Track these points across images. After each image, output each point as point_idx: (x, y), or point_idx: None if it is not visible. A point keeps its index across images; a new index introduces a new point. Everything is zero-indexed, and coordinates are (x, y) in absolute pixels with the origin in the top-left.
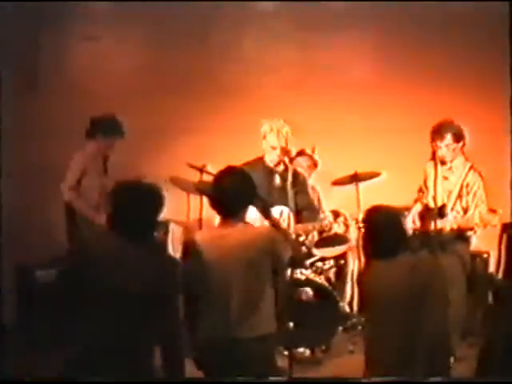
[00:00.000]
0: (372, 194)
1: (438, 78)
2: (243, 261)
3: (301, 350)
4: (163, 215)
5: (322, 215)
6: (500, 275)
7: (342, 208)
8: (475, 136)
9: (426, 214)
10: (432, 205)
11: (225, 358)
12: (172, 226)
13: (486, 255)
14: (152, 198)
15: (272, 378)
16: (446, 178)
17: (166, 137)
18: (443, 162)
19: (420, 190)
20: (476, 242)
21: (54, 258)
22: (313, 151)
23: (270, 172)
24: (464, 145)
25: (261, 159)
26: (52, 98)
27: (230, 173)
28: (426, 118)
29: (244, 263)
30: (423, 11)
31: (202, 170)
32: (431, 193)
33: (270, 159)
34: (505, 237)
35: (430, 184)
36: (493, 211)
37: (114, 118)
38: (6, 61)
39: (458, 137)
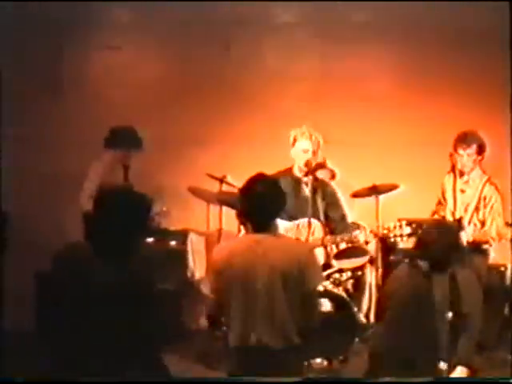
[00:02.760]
0: (390, 207)
1: (458, 92)
2: (276, 272)
3: (318, 360)
4: (181, 225)
5: (351, 227)
6: None
7: (361, 220)
8: (493, 149)
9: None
10: (449, 217)
11: (256, 367)
12: (191, 236)
13: (502, 268)
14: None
15: (272, 379)
16: (463, 191)
17: (185, 147)
18: (461, 174)
19: (439, 203)
20: (493, 255)
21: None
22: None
23: (299, 182)
24: (483, 158)
25: (289, 170)
26: (73, 107)
27: (260, 181)
28: (444, 131)
29: (277, 274)
30: (443, 24)
31: (222, 181)
32: (449, 205)
33: (300, 166)
34: None
35: (448, 196)
36: (509, 225)
37: (133, 131)
38: (26, 69)
39: (481, 149)
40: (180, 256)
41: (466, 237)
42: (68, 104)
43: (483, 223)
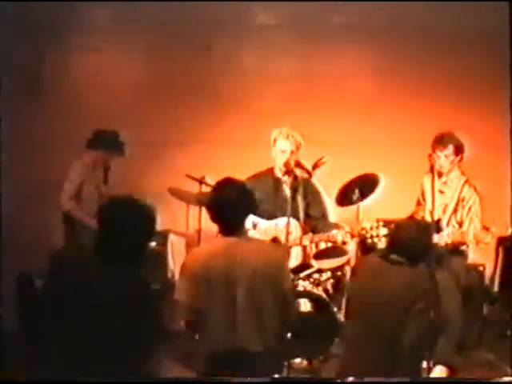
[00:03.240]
0: (371, 207)
1: (439, 92)
2: (248, 273)
3: (298, 360)
4: (162, 226)
5: (331, 226)
6: (496, 288)
7: (343, 220)
8: (474, 150)
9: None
10: (428, 218)
11: (233, 370)
12: (171, 237)
13: (481, 268)
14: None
15: (272, 378)
16: (441, 192)
17: (165, 147)
18: (440, 175)
19: (418, 203)
20: (472, 255)
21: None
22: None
23: (279, 182)
24: (462, 159)
25: (271, 170)
26: (53, 109)
27: (227, 184)
28: (425, 131)
29: (255, 277)
30: (423, 25)
31: (201, 182)
32: (427, 206)
33: (280, 166)
34: (501, 250)
35: (427, 197)
36: (486, 229)
37: (117, 135)
38: (7, 71)
39: (459, 149)
40: (160, 257)
41: (443, 238)
42: (49, 105)
43: (461, 224)
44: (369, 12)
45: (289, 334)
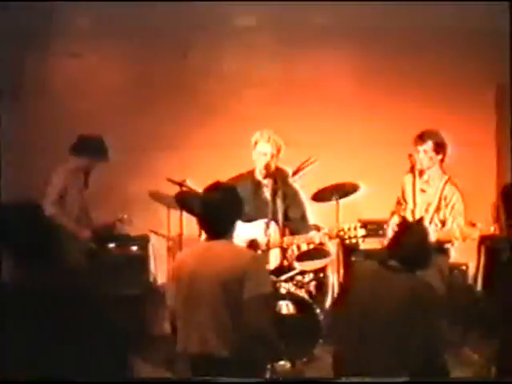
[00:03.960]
0: (352, 207)
1: (421, 92)
2: (218, 279)
3: (281, 362)
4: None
5: (310, 228)
6: (479, 287)
7: (322, 221)
8: (456, 148)
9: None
10: (410, 217)
11: (201, 373)
12: (152, 241)
13: (464, 267)
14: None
15: (271, 378)
16: (423, 191)
17: (146, 152)
18: (420, 174)
19: (398, 203)
20: (454, 254)
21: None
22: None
23: (259, 185)
24: (443, 159)
25: (251, 173)
26: (33, 115)
27: (217, 189)
28: (405, 131)
29: (218, 282)
30: (407, 25)
31: (181, 185)
32: (409, 205)
33: (260, 169)
34: (483, 248)
35: (408, 196)
36: (472, 224)
37: (102, 142)
38: None
39: (439, 147)
40: (141, 261)
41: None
42: (29, 111)
43: (444, 223)
44: (350, 13)
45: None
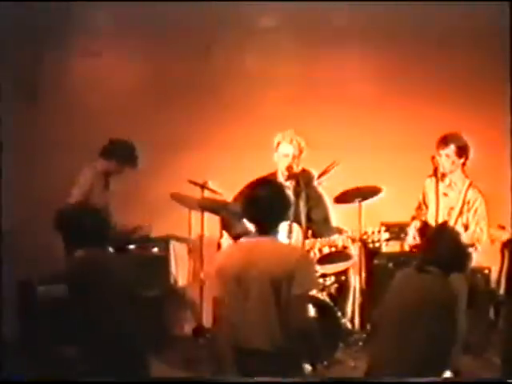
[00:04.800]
0: (375, 210)
1: (442, 94)
2: (266, 276)
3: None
4: (164, 231)
5: (333, 231)
6: (502, 291)
7: (345, 224)
8: (477, 151)
9: (427, 231)
10: (431, 221)
11: (241, 367)
12: (173, 243)
13: (487, 271)
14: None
15: (272, 379)
16: (445, 195)
17: (167, 153)
18: (443, 177)
19: (419, 207)
20: (477, 258)
21: (56, 274)
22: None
23: None
24: (465, 163)
25: (273, 175)
26: (52, 114)
27: (266, 185)
28: (428, 134)
29: (266, 278)
30: (424, 26)
31: (203, 187)
32: (431, 209)
33: (282, 170)
34: (506, 252)
35: (430, 200)
36: (502, 227)
37: (133, 148)
38: (6, 76)
39: (461, 151)
40: (163, 263)
41: None
42: (48, 110)
43: (466, 227)
44: (370, 14)
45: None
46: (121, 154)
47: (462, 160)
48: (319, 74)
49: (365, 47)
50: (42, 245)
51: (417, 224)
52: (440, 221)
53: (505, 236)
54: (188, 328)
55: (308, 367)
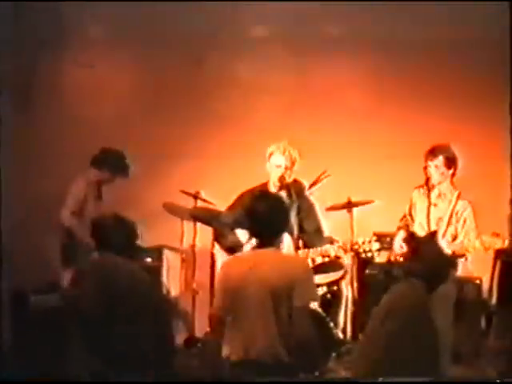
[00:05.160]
0: (367, 220)
1: (434, 105)
2: (266, 287)
3: None
4: (156, 241)
5: (325, 241)
6: (493, 301)
7: (337, 234)
8: (471, 161)
9: (413, 241)
10: (421, 232)
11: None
12: (166, 253)
13: (478, 281)
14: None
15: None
16: (435, 205)
17: (159, 163)
18: (431, 188)
19: (404, 218)
20: (468, 268)
21: (50, 284)
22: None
23: None
24: (454, 174)
25: (265, 185)
26: (46, 123)
27: (266, 198)
28: (422, 143)
29: (266, 290)
30: (419, 36)
31: (195, 197)
32: (419, 219)
33: (274, 181)
34: (498, 263)
35: (418, 210)
36: (496, 234)
37: (124, 157)
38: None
39: (450, 162)
40: (155, 273)
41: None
42: (42, 120)
43: (455, 237)
44: (363, 23)
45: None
46: (112, 163)
47: (450, 171)
48: (312, 83)
49: (357, 56)
50: (36, 255)
51: (402, 234)
52: (428, 231)
53: (499, 243)
54: (179, 338)
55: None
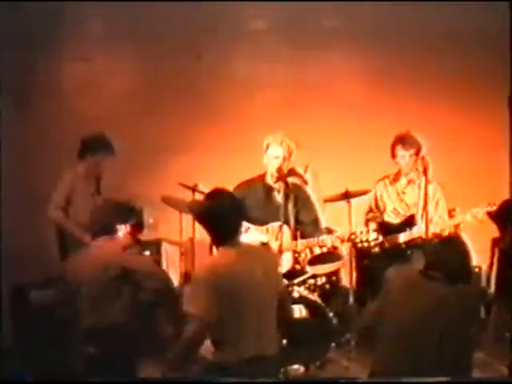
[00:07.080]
0: (362, 211)
1: (430, 97)
2: (258, 280)
3: (295, 366)
4: (155, 235)
5: (322, 232)
6: (492, 289)
7: (335, 225)
8: (469, 152)
9: (387, 230)
10: (393, 219)
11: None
12: (165, 246)
13: (477, 269)
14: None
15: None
16: (404, 193)
17: (158, 156)
18: (400, 176)
19: (370, 211)
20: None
21: (49, 279)
22: (305, 170)
23: (270, 189)
24: (416, 160)
25: (262, 176)
26: (44, 119)
27: (218, 196)
28: (419, 136)
29: (258, 282)
30: (414, 29)
31: (194, 190)
32: (391, 208)
33: (272, 172)
34: (496, 251)
35: (388, 200)
36: (492, 204)
37: (102, 137)
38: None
39: (419, 149)
40: None
41: (421, 231)
42: (41, 116)
43: (430, 220)
44: (360, 16)
45: (284, 341)
46: (92, 146)
47: (417, 157)
48: (308, 76)
49: (354, 49)
50: (36, 250)
51: (373, 226)
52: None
53: (481, 213)
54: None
55: (301, 368)
